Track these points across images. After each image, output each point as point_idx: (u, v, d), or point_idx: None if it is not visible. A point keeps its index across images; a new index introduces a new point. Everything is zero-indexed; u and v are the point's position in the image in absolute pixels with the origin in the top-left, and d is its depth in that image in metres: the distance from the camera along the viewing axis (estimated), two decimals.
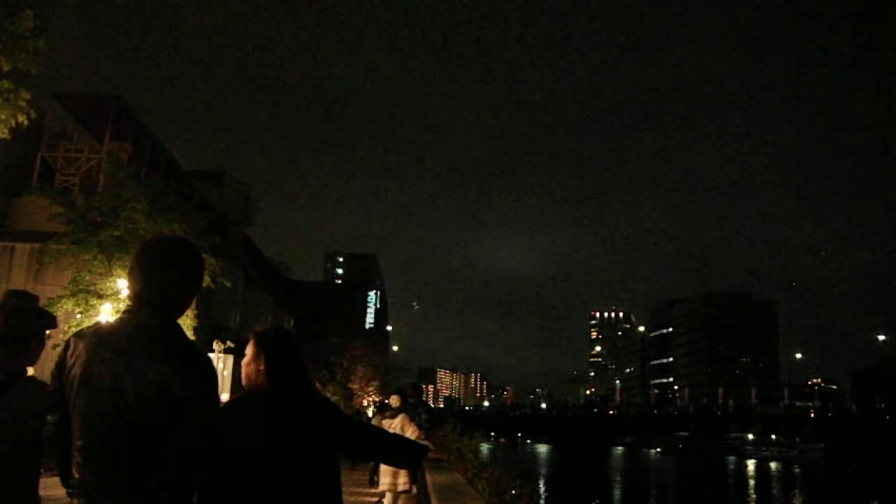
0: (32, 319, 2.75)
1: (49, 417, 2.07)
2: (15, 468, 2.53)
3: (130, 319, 2.02)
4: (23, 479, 2.61)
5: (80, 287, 14.46)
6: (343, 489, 2.43)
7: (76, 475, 1.94)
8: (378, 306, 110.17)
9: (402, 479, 7.78)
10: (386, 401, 16.95)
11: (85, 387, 1.96)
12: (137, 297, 2.05)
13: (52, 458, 2.12)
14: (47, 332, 2.81)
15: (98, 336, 2.02)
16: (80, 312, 14.42)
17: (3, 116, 8.99)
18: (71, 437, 1.98)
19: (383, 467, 7.97)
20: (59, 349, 2.13)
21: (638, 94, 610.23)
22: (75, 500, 1.95)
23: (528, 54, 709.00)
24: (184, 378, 1.93)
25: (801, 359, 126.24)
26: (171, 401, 1.91)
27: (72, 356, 2.01)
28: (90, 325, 2.17)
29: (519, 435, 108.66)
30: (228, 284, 17.90)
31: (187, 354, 2.00)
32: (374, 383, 45.39)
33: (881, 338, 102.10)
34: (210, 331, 20.39)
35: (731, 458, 79.10)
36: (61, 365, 2.04)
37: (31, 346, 2.68)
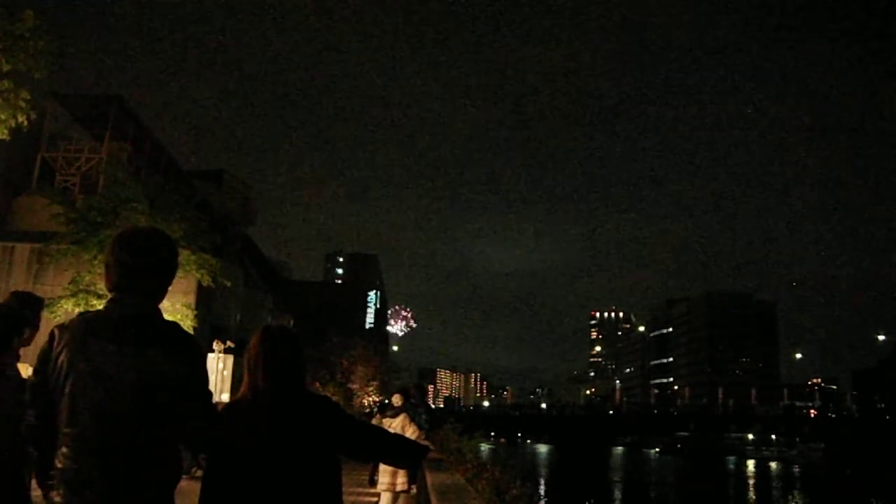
0: (11, 318, 3.02)
1: (31, 411, 2.09)
2: (5, 461, 2.62)
3: (115, 307, 2.10)
4: (14, 471, 2.72)
5: (80, 287, 14.44)
6: (343, 489, 2.44)
7: (59, 465, 1.97)
8: (378, 306, 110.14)
9: (401, 479, 7.79)
10: (386, 401, 16.95)
11: (74, 375, 2.00)
12: (118, 287, 2.14)
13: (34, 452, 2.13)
14: (25, 330, 3.13)
15: (85, 325, 2.08)
16: (81, 312, 14.38)
17: (3, 117, 8.97)
18: (56, 429, 2.00)
19: (382, 467, 7.98)
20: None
21: (637, 93, 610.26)
22: (54, 493, 1.97)
23: (527, 51, 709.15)
24: (171, 357, 2.04)
25: (801, 359, 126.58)
26: (162, 381, 2.00)
27: (57, 347, 2.05)
28: (74, 316, 2.23)
29: (519, 435, 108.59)
30: (228, 284, 17.86)
31: (172, 335, 2.11)
32: (374, 383, 45.34)
33: (881, 338, 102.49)
34: (210, 331, 20.35)
35: (731, 458, 79.06)
36: (45, 357, 2.07)
37: (14, 343, 3.01)
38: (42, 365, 2.07)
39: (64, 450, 1.97)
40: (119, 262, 2.14)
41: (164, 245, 2.24)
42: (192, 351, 2.13)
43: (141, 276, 2.14)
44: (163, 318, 2.17)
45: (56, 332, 2.10)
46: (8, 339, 2.99)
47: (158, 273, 2.19)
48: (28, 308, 3.30)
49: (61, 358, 2.03)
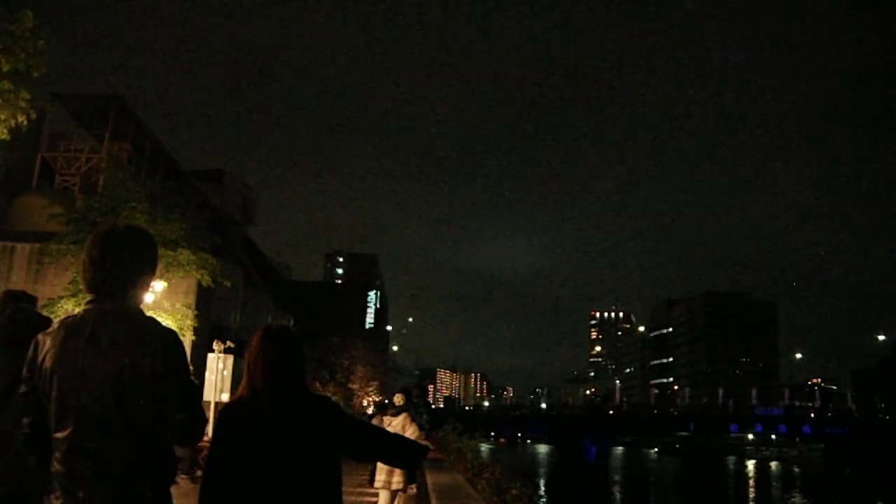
0: (34, 323, 2.85)
1: (24, 420, 2.09)
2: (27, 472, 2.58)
3: (93, 308, 2.10)
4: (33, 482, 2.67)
5: (81, 287, 14.45)
6: (343, 489, 2.43)
7: (53, 469, 1.98)
8: (378, 306, 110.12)
9: (397, 479, 7.80)
10: (387, 401, 16.97)
11: (58, 378, 2.01)
12: (93, 287, 2.13)
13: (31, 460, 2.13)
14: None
15: (65, 328, 2.09)
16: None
17: (2, 117, 8.95)
18: (50, 435, 2.01)
19: (379, 465, 7.98)
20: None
21: (639, 92, 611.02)
22: (52, 496, 1.98)
23: (529, 49, 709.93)
24: (149, 353, 2.02)
25: (801, 359, 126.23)
26: (142, 378, 1.99)
27: (41, 353, 2.06)
28: (56, 323, 2.22)
29: (519, 435, 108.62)
30: (228, 284, 17.87)
31: (149, 331, 2.09)
32: (374, 383, 45.37)
33: (881, 338, 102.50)
34: (210, 331, 20.34)
35: (731, 458, 79.10)
36: (31, 365, 2.08)
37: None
38: (29, 373, 2.08)
39: (56, 454, 1.98)
40: (92, 262, 2.13)
41: (137, 242, 2.21)
42: (169, 344, 2.09)
43: (115, 275, 2.11)
44: (142, 315, 2.14)
45: (39, 338, 2.11)
46: (23, 343, 2.93)
47: (133, 271, 2.16)
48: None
49: (45, 364, 2.03)
